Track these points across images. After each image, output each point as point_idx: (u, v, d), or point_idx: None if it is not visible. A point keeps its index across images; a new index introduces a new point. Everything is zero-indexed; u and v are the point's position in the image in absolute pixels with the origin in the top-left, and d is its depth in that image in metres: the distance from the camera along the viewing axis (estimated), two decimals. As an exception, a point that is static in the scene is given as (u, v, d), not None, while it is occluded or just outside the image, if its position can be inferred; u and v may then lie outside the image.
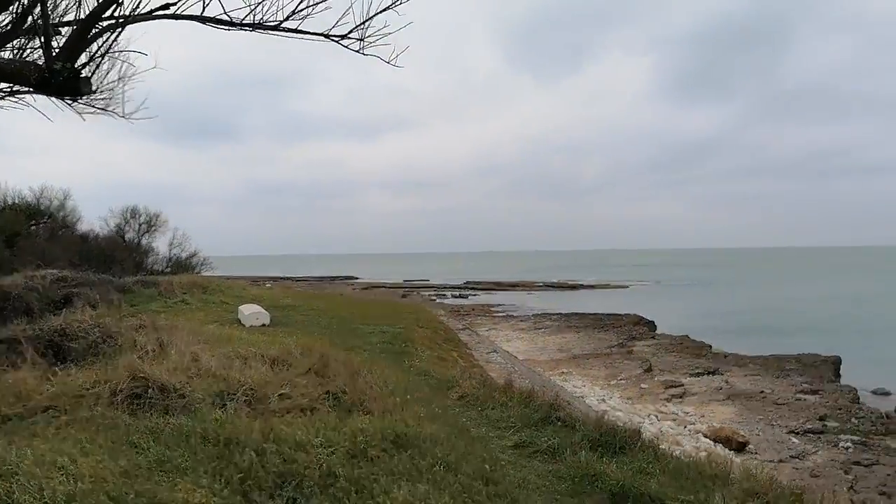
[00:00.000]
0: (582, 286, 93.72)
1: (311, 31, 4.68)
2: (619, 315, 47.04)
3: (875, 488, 13.68)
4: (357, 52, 4.54)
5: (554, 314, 50.39)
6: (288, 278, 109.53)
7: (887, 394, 23.83)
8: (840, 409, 20.57)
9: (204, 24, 4.58)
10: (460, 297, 75.34)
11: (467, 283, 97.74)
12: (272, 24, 4.60)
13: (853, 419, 19.49)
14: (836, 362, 27.97)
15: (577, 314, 49.55)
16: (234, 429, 5.15)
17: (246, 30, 4.63)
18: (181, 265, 35.37)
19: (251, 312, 15.84)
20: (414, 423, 6.07)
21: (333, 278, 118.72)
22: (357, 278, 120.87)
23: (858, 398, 22.43)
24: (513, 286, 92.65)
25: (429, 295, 77.45)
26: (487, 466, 5.27)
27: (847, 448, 16.78)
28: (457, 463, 5.14)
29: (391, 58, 4.43)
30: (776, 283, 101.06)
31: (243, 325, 15.01)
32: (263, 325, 15.37)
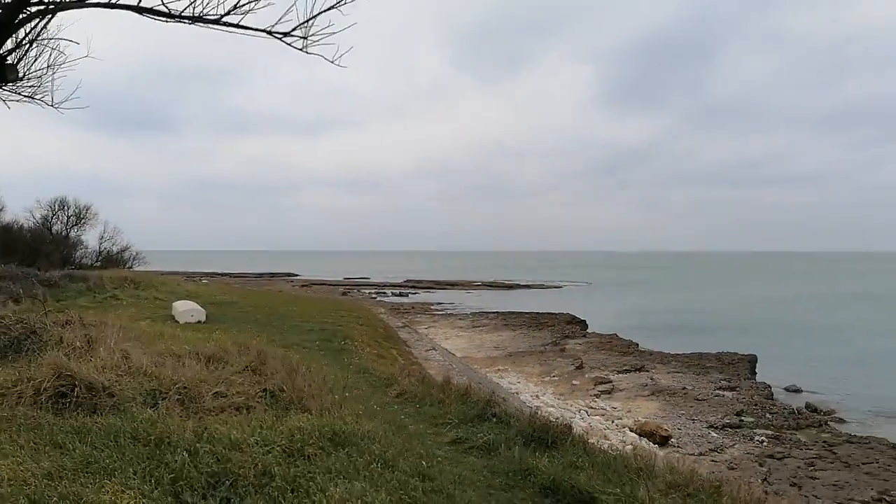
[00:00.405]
0: (519, 286, 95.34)
1: (254, 26, 4.62)
2: (554, 314, 48.17)
3: (787, 480, 14.59)
4: (300, 50, 4.52)
5: (491, 313, 51.08)
6: (225, 274, 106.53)
7: (798, 391, 25.41)
8: (755, 404, 21.80)
9: (140, 14, 4.46)
10: (400, 295, 75.25)
11: (407, 281, 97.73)
12: (212, 17, 4.51)
13: (767, 414, 20.71)
14: (752, 360, 29.61)
15: (513, 313, 50.40)
16: (166, 428, 5.04)
17: (185, 22, 4.53)
18: (112, 260, 33.99)
19: (186, 309, 15.40)
20: (352, 421, 6.09)
21: (272, 275, 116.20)
22: (297, 275, 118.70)
23: (772, 394, 23.84)
24: (452, 285, 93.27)
25: (369, 293, 76.96)
26: (424, 463, 5.36)
27: (761, 442, 17.81)
28: (394, 460, 5.21)
29: (335, 57, 4.44)
30: (700, 284, 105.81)
31: (177, 322, 14.58)
32: (199, 321, 14.98)
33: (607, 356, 31.20)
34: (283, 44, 4.65)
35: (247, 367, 7.23)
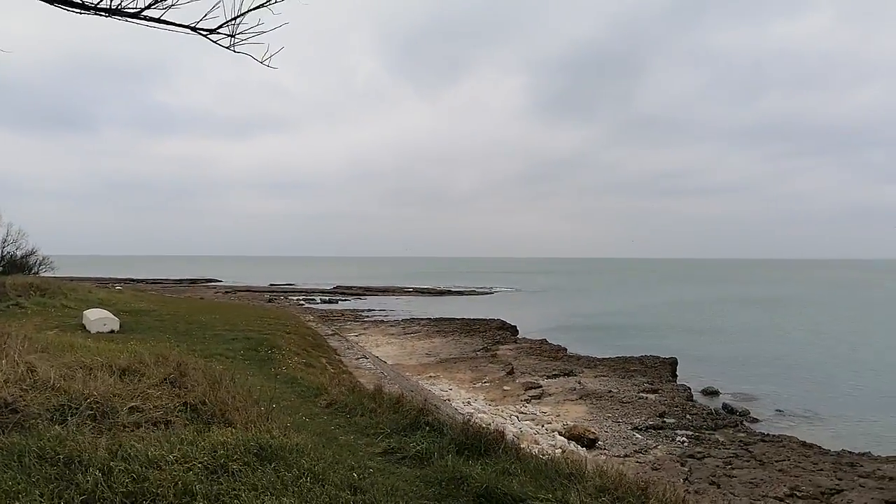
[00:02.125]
0: (450, 292, 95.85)
1: (177, 22, 4.38)
2: (485, 320, 48.66)
3: (706, 479, 15.22)
4: (227, 48, 4.32)
5: (423, 319, 51.05)
6: (142, 281, 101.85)
7: (716, 392, 26.68)
8: (677, 406, 22.70)
9: (52, 4, 4.14)
10: (330, 302, 74.04)
11: (337, 287, 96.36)
12: (132, 11, 4.25)
13: (688, 416, 21.60)
14: (672, 363, 30.86)
15: (445, 319, 50.57)
16: (77, 446, 4.70)
17: (102, 15, 4.24)
18: (16, 265, 31.76)
19: (98, 318, 14.52)
20: (279, 434, 5.88)
21: (194, 281, 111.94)
22: (219, 281, 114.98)
23: (692, 396, 24.92)
24: (383, 291, 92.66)
25: (297, 299, 75.31)
26: (356, 475, 5.23)
27: (683, 442, 18.55)
28: (324, 473, 5.05)
29: (264, 57, 4.26)
30: (625, 291, 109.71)
31: (89, 332, 13.71)
32: (112, 331, 14.15)
33: (537, 361, 31.75)
34: (210, 41, 4.43)
35: (165, 379, 6.85)
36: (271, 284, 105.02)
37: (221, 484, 4.56)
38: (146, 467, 4.51)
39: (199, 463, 4.81)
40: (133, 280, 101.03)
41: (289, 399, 8.83)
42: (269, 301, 66.88)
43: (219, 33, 4.27)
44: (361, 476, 5.25)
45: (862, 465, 16.04)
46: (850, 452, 17.42)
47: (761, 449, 17.56)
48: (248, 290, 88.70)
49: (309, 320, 27.28)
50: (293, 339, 15.80)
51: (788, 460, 16.43)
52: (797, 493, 13.97)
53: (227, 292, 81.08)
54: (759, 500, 13.65)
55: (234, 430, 5.81)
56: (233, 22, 4.28)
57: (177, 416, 6.04)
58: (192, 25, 4.38)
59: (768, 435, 19.59)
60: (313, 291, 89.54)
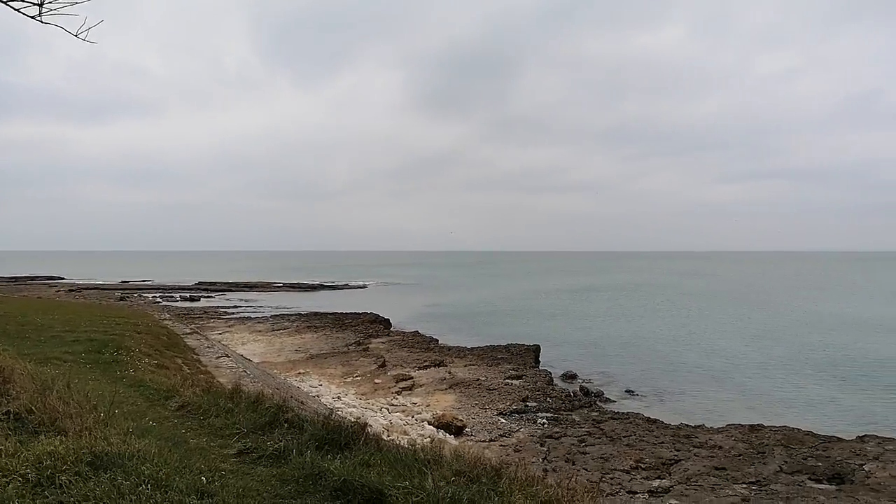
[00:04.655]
0: (323, 287, 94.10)
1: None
2: (358, 314, 48.32)
3: (562, 457, 16.21)
4: (34, 18, 3.85)
5: (293, 315, 49.68)
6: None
7: (574, 376, 28.47)
8: (538, 391, 23.94)
9: None
10: (191, 299, 69.79)
11: (199, 284, 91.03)
12: None
13: (548, 399, 22.86)
14: (536, 350, 32.52)
15: (316, 314, 49.58)
16: None
17: None
18: None
19: None
20: (119, 441, 5.43)
21: (31, 279, 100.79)
22: (62, 279, 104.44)
23: (553, 380, 26.39)
24: (250, 287, 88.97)
25: (153, 297, 70.28)
26: (204, 479, 4.95)
27: (543, 424, 19.61)
28: (168, 479, 4.73)
29: (80, 30, 3.84)
30: (499, 282, 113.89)
31: None
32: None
33: (409, 353, 32.05)
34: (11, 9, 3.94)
35: (-17, 387, 6.08)
36: (122, 281, 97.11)
37: (47, 497, 4.14)
38: (-50, 487, 3.97)
39: (20, 476, 4.33)
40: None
41: (135, 403, 8.19)
42: (121, 299, 61.82)
43: (23, 1, 3.80)
44: (211, 479, 4.98)
45: (697, 437, 17.86)
46: (687, 426, 19.33)
47: (611, 426, 19.00)
48: (96, 287, 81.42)
49: (164, 319, 25.51)
50: (144, 339, 14.66)
51: (635, 435, 17.92)
52: (641, 465, 15.27)
53: (70, 290, 73.84)
54: (608, 473, 14.77)
55: (65, 439, 5.28)
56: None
57: (-5, 428, 5.38)
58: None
59: (618, 413, 21.24)
60: (172, 288, 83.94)
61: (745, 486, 14.04)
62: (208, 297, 73.90)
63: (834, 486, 14.04)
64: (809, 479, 14.51)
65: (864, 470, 14.80)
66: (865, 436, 17.70)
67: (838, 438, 17.49)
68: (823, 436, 17.74)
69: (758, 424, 18.94)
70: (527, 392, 23.57)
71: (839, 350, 36.42)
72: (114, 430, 5.81)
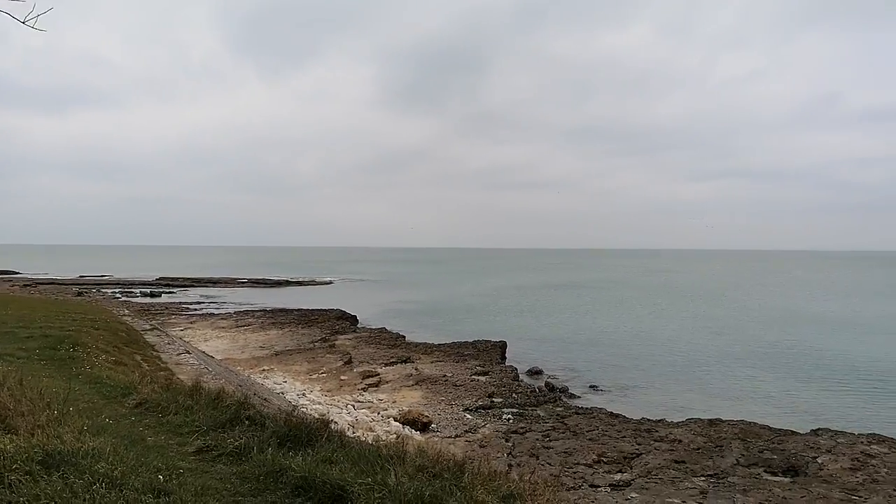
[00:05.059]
0: (288, 283, 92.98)
1: None
2: (324, 310, 47.91)
3: (527, 452, 16.35)
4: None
5: (258, 311, 49.03)
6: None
7: (540, 372, 28.76)
8: (504, 386, 24.10)
9: None
10: (152, 295, 68.27)
11: (161, 279, 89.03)
12: None
13: (514, 395, 23.03)
14: (502, 346, 32.73)
15: (282, 311, 49.00)
16: None
17: None
18: None
19: None
20: (72, 439, 5.28)
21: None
22: (17, 273, 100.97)
23: (518, 376, 26.61)
24: (214, 283, 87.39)
25: (112, 293, 68.55)
26: (161, 477, 4.85)
27: (508, 419, 19.75)
28: (123, 477, 4.62)
29: (27, 17, 3.71)
30: (468, 278, 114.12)
31: None
32: None
33: (376, 350, 31.92)
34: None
35: (-73, 385, 5.84)
36: (81, 276, 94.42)
37: (-6, 499, 3.99)
38: None
39: (-35, 478, 4.17)
40: None
41: (91, 400, 7.97)
42: (79, 295, 60.11)
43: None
44: (168, 478, 4.88)
45: (658, 431, 18.21)
46: (648, 420, 19.70)
47: (575, 421, 19.25)
48: (53, 282, 78.98)
49: (124, 315, 24.88)
50: (102, 336, 14.27)
51: (598, 430, 18.19)
52: (603, 459, 15.51)
53: (26, 285, 71.46)
54: (571, 467, 14.95)
55: (15, 438, 5.12)
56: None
57: (-61, 428, 5.18)
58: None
59: (582, 408, 21.53)
60: (133, 283, 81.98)
61: (703, 478, 14.39)
62: (170, 292, 72.39)
63: (788, 479, 14.48)
64: (765, 471, 14.94)
65: (817, 462, 15.30)
66: (819, 429, 18.31)
67: (793, 432, 18.04)
68: (779, 429, 18.28)
69: (716, 418, 19.42)
70: (493, 388, 23.71)
71: (795, 346, 37.59)
72: (67, 427, 5.66)
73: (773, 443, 16.89)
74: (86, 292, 65.40)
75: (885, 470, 14.73)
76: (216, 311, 50.22)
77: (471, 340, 34.54)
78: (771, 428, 18.39)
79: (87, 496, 4.23)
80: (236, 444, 6.12)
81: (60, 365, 10.64)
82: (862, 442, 16.86)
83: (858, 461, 15.27)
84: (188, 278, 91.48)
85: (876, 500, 13.02)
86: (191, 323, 40.88)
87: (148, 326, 21.22)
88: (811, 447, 16.49)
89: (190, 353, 16.59)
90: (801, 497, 13.15)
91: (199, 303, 59.28)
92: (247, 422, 6.79)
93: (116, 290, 71.29)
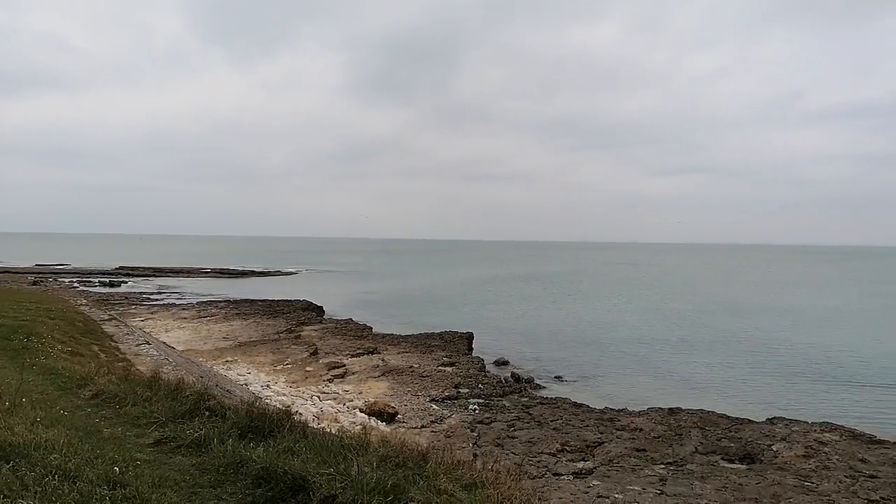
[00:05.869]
0: (253, 273, 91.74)
1: None
2: (290, 301, 47.42)
3: (492, 442, 16.50)
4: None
5: (221, 301, 48.27)
6: None
7: (506, 363, 28.99)
8: (471, 377, 24.23)
9: None
10: (111, 284, 66.61)
11: (120, 268, 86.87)
12: None
13: (480, 385, 23.18)
14: (469, 337, 32.86)
15: (246, 301, 48.34)
16: None
17: None
18: None
19: None
20: (24, 431, 5.14)
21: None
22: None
23: (485, 367, 26.77)
24: (176, 272, 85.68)
25: (70, 282, 66.63)
26: (117, 469, 4.75)
27: (474, 410, 19.87)
28: (77, 470, 4.52)
29: None
30: (430, 270, 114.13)
31: None
32: None
33: (342, 341, 31.73)
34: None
35: None
36: (37, 265, 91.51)
37: (-64, 494, 3.86)
38: None
39: None
40: None
41: (45, 392, 7.76)
42: (34, 284, 58.28)
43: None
44: (124, 470, 4.78)
45: (620, 420, 18.56)
46: (611, 409, 20.05)
47: (540, 411, 19.48)
48: (7, 271, 76.37)
49: (81, 304, 24.22)
50: (58, 326, 13.88)
51: (561, 419, 18.45)
52: (567, 448, 15.75)
53: (-23, 274, 68.97)
54: (535, 456, 15.15)
55: (-38, 431, 4.96)
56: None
57: None
58: None
59: (547, 398, 21.79)
60: (91, 273, 79.79)
61: (663, 466, 14.73)
62: (131, 282, 70.72)
63: (745, 466, 14.93)
64: (722, 459, 15.37)
65: (772, 450, 15.80)
66: (774, 418, 18.90)
67: (749, 420, 18.58)
68: (736, 418, 18.80)
69: (676, 408, 19.87)
70: (459, 379, 23.82)
71: (751, 336, 38.66)
72: (19, 419, 5.52)
73: (731, 431, 17.38)
74: (41, 281, 63.46)
75: (837, 457, 15.30)
76: (178, 302, 49.26)
77: (438, 332, 34.57)
78: (728, 417, 18.90)
79: (39, 489, 4.12)
80: (196, 435, 6.03)
81: (14, 355, 10.33)
82: (815, 430, 17.47)
83: (812, 448, 15.82)
84: (149, 268, 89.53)
85: (827, 485, 13.52)
86: (151, 313, 40.04)
87: (106, 317, 20.70)
88: (767, 435, 17.00)
89: (150, 344, 16.24)
90: (757, 484, 13.57)
91: (160, 293, 58.10)
92: (207, 413, 6.69)
93: (74, 280, 69.33)
